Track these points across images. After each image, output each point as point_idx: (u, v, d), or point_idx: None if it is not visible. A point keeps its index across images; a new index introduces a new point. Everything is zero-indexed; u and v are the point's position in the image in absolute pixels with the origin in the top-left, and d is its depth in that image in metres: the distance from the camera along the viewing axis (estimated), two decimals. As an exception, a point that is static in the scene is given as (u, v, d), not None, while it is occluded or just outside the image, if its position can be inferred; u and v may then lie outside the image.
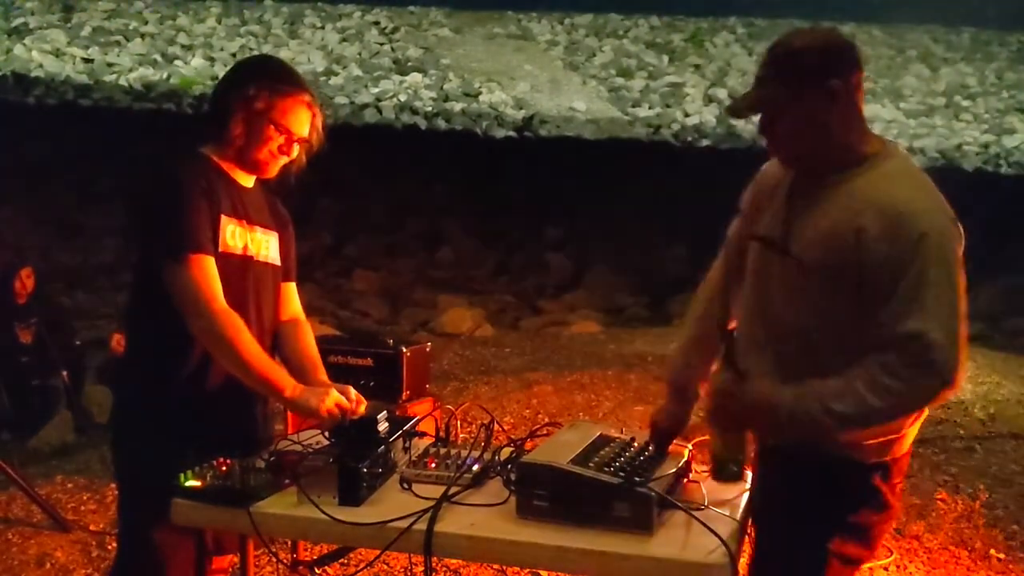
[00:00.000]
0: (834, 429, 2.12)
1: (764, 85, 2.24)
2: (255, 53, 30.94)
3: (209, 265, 2.54)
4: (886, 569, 4.02)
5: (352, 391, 2.66)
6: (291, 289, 2.90)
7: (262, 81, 2.62)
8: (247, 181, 2.74)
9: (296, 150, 2.70)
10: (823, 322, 2.18)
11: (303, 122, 2.67)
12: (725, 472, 2.38)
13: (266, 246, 2.75)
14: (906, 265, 2.07)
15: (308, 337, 2.87)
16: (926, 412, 2.25)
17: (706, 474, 2.53)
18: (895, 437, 2.22)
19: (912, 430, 2.27)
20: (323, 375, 2.80)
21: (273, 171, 2.72)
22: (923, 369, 2.05)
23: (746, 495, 2.45)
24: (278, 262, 2.80)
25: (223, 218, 2.61)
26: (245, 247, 2.68)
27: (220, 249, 2.59)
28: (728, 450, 2.35)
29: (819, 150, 2.24)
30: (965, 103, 28.45)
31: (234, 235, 2.64)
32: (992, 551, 4.20)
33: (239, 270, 2.66)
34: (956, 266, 2.10)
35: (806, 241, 2.23)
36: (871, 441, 2.20)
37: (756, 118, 2.28)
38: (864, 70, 2.24)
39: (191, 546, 2.54)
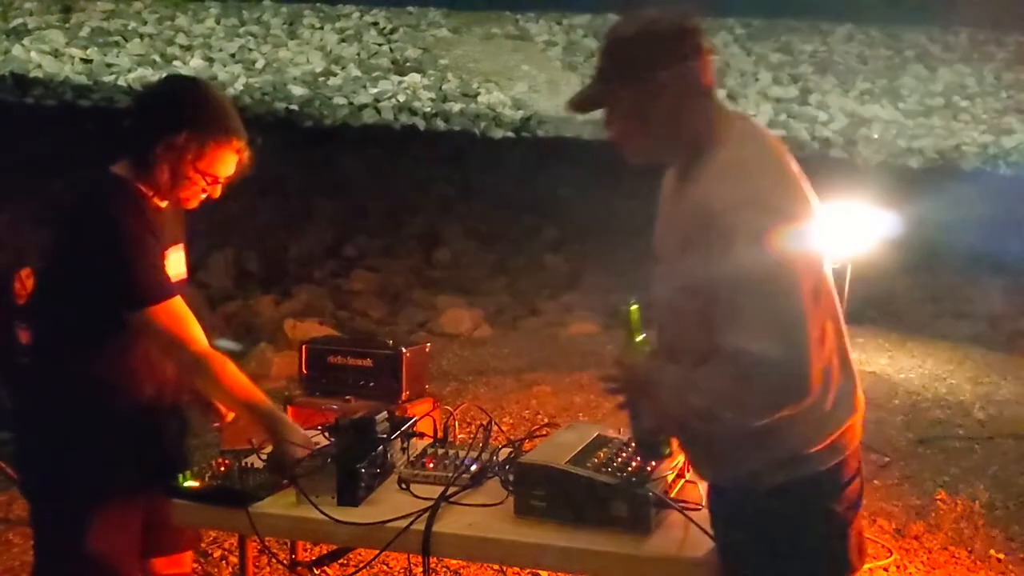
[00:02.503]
0: (690, 417, 2.01)
1: (597, 79, 2.09)
2: (253, 53, 31.03)
3: (175, 307, 2.50)
4: (886, 569, 4.02)
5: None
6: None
7: (193, 130, 2.49)
8: (162, 203, 2.63)
9: (220, 190, 2.62)
10: (703, 340, 1.96)
11: (230, 165, 2.59)
12: (648, 450, 2.30)
13: (177, 263, 2.67)
14: (720, 270, 1.88)
15: None
16: (859, 416, 2.07)
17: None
18: (810, 452, 2.01)
19: (845, 430, 2.04)
20: None
21: (193, 206, 2.65)
22: (755, 384, 1.87)
23: None
24: (185, 275, 2.72)
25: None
26: None
27: None
28: (644, 426, 2.24)
29: (658, 147, 2.08)
30: (963, 103, 28.45)
31: None
32: (992, 551, 4.19)
33: None
34: (780, 265, 1.86)
35: (667, 254, 2.13)
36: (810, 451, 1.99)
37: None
38: (709, 53, 2.02)
39: (112, 563, 2.52)
